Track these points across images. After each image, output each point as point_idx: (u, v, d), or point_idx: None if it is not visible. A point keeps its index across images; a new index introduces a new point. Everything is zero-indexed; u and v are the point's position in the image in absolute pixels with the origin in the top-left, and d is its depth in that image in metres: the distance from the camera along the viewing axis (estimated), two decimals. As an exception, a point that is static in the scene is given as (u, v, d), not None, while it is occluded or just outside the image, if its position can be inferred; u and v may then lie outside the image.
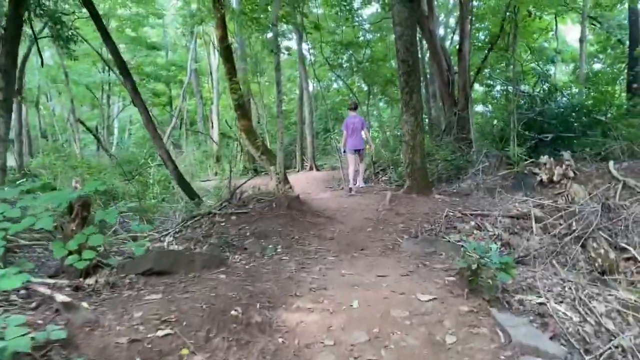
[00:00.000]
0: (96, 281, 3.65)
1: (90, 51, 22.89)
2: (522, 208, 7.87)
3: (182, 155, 22.76)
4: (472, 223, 7.47)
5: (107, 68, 25.20)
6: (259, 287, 3.82)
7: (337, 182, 14.95)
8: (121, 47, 28.14)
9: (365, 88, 21.73)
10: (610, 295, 4.55)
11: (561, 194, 8.25)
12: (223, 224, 6.93)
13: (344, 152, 10.59)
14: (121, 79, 22.39)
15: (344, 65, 16.93)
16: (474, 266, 4.01)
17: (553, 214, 7.52)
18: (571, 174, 8.53)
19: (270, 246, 6.11)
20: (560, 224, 7.21)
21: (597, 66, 19.16)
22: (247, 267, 4.63)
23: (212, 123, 23.35)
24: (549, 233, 7.13)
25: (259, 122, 21.95)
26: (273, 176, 7.67)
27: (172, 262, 3.93)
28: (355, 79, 18.11)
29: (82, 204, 4.19)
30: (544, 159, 9.28)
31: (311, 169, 17.47)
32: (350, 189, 10.19)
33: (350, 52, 18.17)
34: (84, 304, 3.01)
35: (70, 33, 7.60)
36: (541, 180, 8.84)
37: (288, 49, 14.60)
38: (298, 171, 19.31)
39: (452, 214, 7.66)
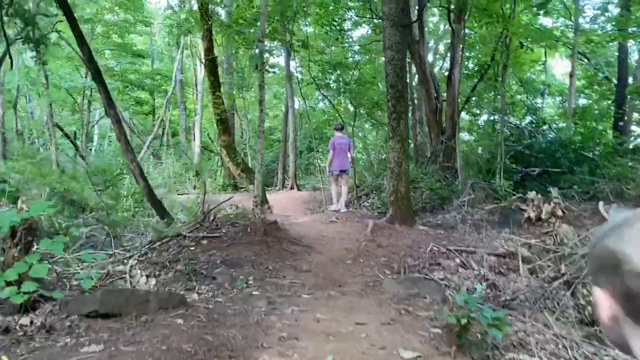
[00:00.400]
0: (31, 322, 3.14)
1: (73, 55, 22.34)
2: (508, 246, 7.51)
3: (161, 166, 22.17)
4: (457, 260, 7.08)
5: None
6: (221, 335, 3.33)
7: (318, 203, 14.51)
8: (106, 52, 27.67)
9: (352, 109, 21.48)
10: (607, 356, 4.16)
11: (549, 234, 7.91)
12: (193, 248, 6.43)
13: (330, 173, 10.41)
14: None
15: (332, 86, 16.60)
16: (464, 321, 3.58)
17: (541, 255, 7.17)
18: (560, 213, 8.21)
19: (241, 277, 5.62)
20: (549, 266, 6.85)
21: (582, 101, 19.15)
22: (210, 306, 4.13)
23: (194, 135, 22.81)
24: (537, 276, 6.76)
25: (242, 137, 21.50)
26: (251, 198, 7.17)
27: (123, 303, 3.40)
28: (342, 99, 17.78)
29: (27, 228, 3.68)
30: (531, 194, 8.97)
31: (292, 188, 17.01)
32: (337, 210, 10.01)
33: (338, 72, 17.92)
34: (3, 358, 2.50)
35: (40, 35, 7.09)
36: (529, 217, 8.50)
37: (273, 66, 14.19)
38: (279, 190, 18.85)
39: (436, 249, 7.26)
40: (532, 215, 8.45)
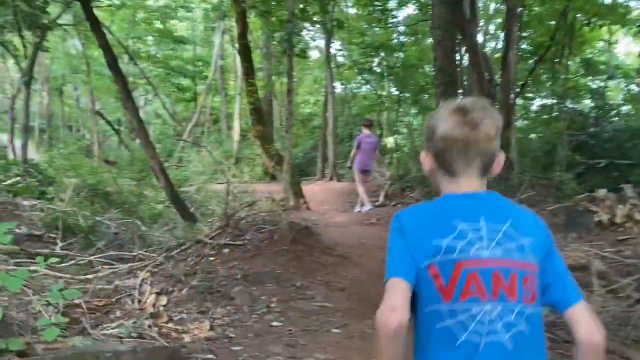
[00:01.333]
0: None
1: (115, 42, 22.05)
2: (578, 257, 6.35)
3: (201, 154, 21.63)
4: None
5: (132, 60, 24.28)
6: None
7: (357, 198, 13.54)
8: (149, 39, 27.28)
9: (396, 94, 20.29)
10: None
11: (626, 242, 6.70)
12: (212, 258, 5.62)
13: (350, 167, 9.81)
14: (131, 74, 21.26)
15: (374, 69, 15.46)
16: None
17: (619, 269, 6.00)
18: (638, 217, 6.97)
19: (262, 297, 4.77)
20: (630, 284, 5.69)
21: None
22: (212, 357, 3.27)
23: (235, 122, 22.12)
24: (615, 294, 5.62)
25: (281, 125, 20.68)
26: (284, 183, 6.25)
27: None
28: (386, 84, 16.60)
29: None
30: (601, 192, 7.73)
31: (331, 178, 16.05)
32: (370, 208, 9.34)
33: (382, 55, 16.76)
34: None
35: (47, 20, 6.41)
36: (600, 220, 7.28)
37: (304, 51, 12.96)
38: (318, 179, 17.94)
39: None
40: (605, 218, 7.23)
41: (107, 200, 11.24)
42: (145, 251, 6.65)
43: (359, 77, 20.61)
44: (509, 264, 1.16)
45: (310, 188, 15.09)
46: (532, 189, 8.99)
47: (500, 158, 1.33)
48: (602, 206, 7.42)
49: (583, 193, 8.29)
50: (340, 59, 19.03)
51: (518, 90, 12.62)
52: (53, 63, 24.18)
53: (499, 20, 15.70)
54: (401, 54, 16.68)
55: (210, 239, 6.01)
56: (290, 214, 6.47)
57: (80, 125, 26.34)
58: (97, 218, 9.16)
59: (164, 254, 5.85)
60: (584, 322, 1.17)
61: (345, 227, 7.47)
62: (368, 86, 22.45)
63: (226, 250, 5.72)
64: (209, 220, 7.44)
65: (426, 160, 1.36)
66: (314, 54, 27.10)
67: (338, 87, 21.93)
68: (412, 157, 17.22)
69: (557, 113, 11.09)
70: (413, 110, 21.88)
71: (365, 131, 9.55)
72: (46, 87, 23.48)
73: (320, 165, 18.45)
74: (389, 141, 26.22)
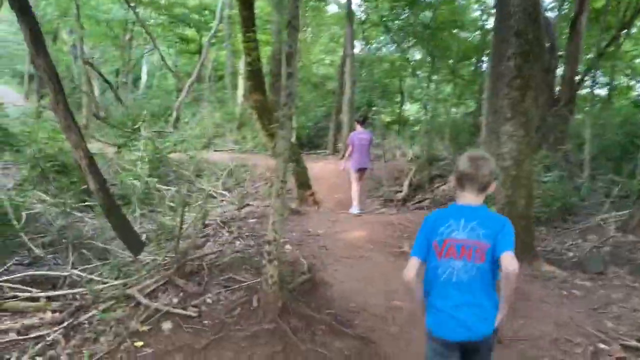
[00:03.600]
0: None
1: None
2: None
3: (199, 115, 19.05)
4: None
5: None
6: None
7: (377, 183, 11.01)
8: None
9: (421, 58, 17.42)
10: None
11: None
12: (141, 344, 3.19)
13: (343, 169, 8.95)
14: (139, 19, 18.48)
15: (404, 28, 12.60)
16: None
17: None
18: None
19: None
20: None
21: None
22: None
23: (240, 81, 19.37)
24: None
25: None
26: (271, 218, 3.68)
27: None
28: (414, 45, 13.71)
29: None
30: None
31: (344, 155, 13.48)
32: (360, 214, 7.88)
33: (410, 11, 13.90)
34: None
35: None
36: None
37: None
38: (329, 154, 15.38)
39: (602, 345, 3.75)
40: None
41: (63, 179, 8.85)
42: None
43: (382, 37, 17.74)
44: (470, 242, 2.23)
45: (319, 169, 12.58)
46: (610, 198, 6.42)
47: (493, 185, 2.34)
48: None
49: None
50: (361, 15, 16.09)
51: (588, 65, 9.86)
52: (44, 5, 21.39)
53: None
54: (430, 14, 13.80)
55: (146, 294, 3.56)
56: (282, 255, 3.95)
57: (75, 75, 23.63)
58: (34, 209, 6.79)
59: (67, 323, 3.42)
60: (505, 260, 2.11)
61: (365, 258, 5.00)
62: (391, 47, 19.59)
63: (167, 327, 3.28)
64: (168, 239, 4.96)
65: (453, 181, 2.44)
66: (332, 8, 24.04)
67: (357, 47, 19.07)
68: (439, 133, 14.58)
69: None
70: (435, 77, 19.10)
71: (359, 128, 8.77)
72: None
73: (333, 138, 15.86)
74: (411, 110, 23.45)
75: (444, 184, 10.06)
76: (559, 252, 5.92)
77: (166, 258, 3.96)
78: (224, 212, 8.01)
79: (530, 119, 5.39)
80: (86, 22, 22.06)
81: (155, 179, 10.68)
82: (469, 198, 2.29)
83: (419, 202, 9.57)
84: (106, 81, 20.95)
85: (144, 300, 3.43)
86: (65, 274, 5.04)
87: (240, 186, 11.57)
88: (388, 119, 21.33)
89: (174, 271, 3.60)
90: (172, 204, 9.54)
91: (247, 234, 5.82)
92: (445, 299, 2.26)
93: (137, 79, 31.45)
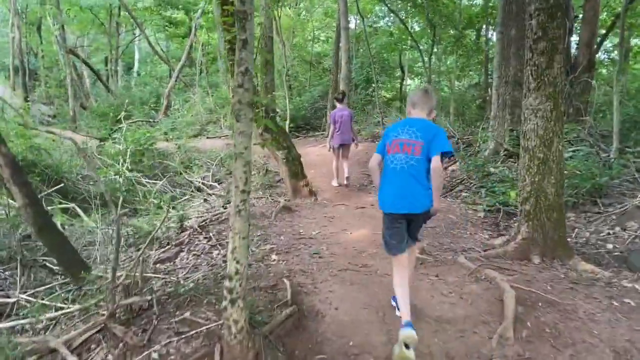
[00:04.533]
0: None
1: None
2: None
3: (191, 100, 18.04)
4: None
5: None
6: None
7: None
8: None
9: (420, 29, 16.27)
10: None
11: None
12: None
13: (331, 148, 8.89)
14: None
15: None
16: None
17: None
18: None
19: None
20: None
21: None
22: None
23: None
24: None
25: (284, 67, 16.81)
26: (230, 243, 2.68)
27: None
28: (409, 14, 12.58)
29: None
30: None
31: (344, 137, 12.48)
32: (341, 185, 8.58)
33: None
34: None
35: None
36: None
37: None
38: (327, 136, 14.40)
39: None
40: None
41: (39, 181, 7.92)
42: None
43: (377, 8, 16.57)
44: (410, 141, 2.99)
45: (315, 155, 11.63)
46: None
47: (434, 113, 3.26)
48: None
49: None
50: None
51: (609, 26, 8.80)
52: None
53: None
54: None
55: (75, 348, 2.65)
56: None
57: (62, 65, 22.55)
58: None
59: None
60: (434, 161, 2.90)
61: (367, 269, 4.08)
62: (388, 20, 18.41)
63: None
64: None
65: (407, 106, 3.30)
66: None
67: (352, 22, 17.88)
68: (444, 109, 13.54)
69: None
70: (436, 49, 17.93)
71: (339, 105, 8.87)
72: (16, 20, 19.69)
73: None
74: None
75: (453, 163, 9.10)
76: (594, 243, 4.99)
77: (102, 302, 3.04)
78: (209, 210, 7.10)
79: (558, 89, 4.41)
80: (71, 10, 21.00)
81: (139, 174, 9.84)
82: (417, 114, 3.21)
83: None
84: (92, 70, 19.90)
85: (71, 359, 2.52)
86: (12, 300, 4.20)
87: (232, 175, 10.64)
88: (388, 96, 20.26)
89: (107, 317, 2.69)
90: (155, 201, 8.68)
91: (227, 240, 4.92)
92: (391, 184, 3.04)
93: (130, 67, 30.34)
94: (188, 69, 21.94)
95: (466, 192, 6.85)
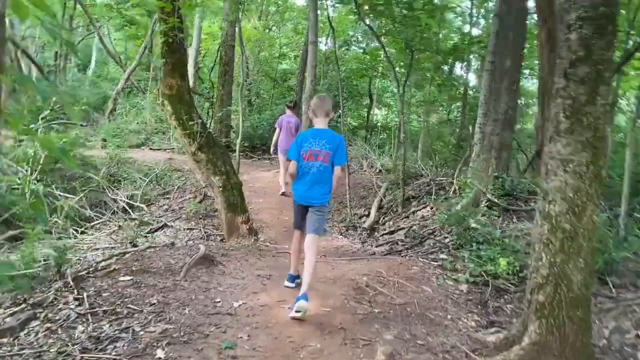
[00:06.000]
0: None
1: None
2: None
3: (137, 107, 16.21)
4: None
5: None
6: None
7: (341, 205, 8.58)
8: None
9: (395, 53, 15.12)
10: None
11: None
12: None
13: (274, 152, 9.46)
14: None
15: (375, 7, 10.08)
16: None
17: None
18: None
19: None
20: None
21: None
22: None
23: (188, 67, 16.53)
24: None
25: (246, 81, 15.24)
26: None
27: None
28: (384, 32, 11.19)
29: None
30: None
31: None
32: (284, 194, 8.49)
33: None
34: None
35: None
36: None
37: None
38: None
39: None
40: None
41: None
42: None
43: (353, 32, 15.34)
44: (321, 152, 3.83)
45: (269, 178, 10.09)
46: None
47: (332, 114, 4.13)
48: None
49: None
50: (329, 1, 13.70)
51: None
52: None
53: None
54: None
55: None
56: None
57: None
58: None
59: None
60: (336, 170, 3.90)
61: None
62: (360, 43, 17.24)
63: None
64: None
65: (309, 113, 4.21)
66: (299, 1, 21.50)
67: (322, 42, 16.60)
68: (412, 143, 12.28)
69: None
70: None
71: (288, 112, 9.23)
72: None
73: (289, 141, 13.35)
74: (377, 116, 21.09)
75: (423, 207, 7.71)
76: (619, 349, 3.60)
77: None
78: (111, 246, 5.40)
79: (600, 134, 3.05)
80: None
81: (50, 186, 8.03)
82: (320, 122, 3.99)
83: (391, 232, 7.18)
84: (34, 63, 17.75)
85: None
86: None
87: (166, 197, 8.93)
88: (354, 123, 19.00)
89: None
90: (60, 222, 6.93)
91: (105, 307, 3.27)
92: (304, 183, 3.89)
93: (86, 66, 28.12)
94: (144, 73, 20.13)
95: (443, 252, 5.40)
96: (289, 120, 8.89)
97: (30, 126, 9.03)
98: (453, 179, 7.61)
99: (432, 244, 6.08)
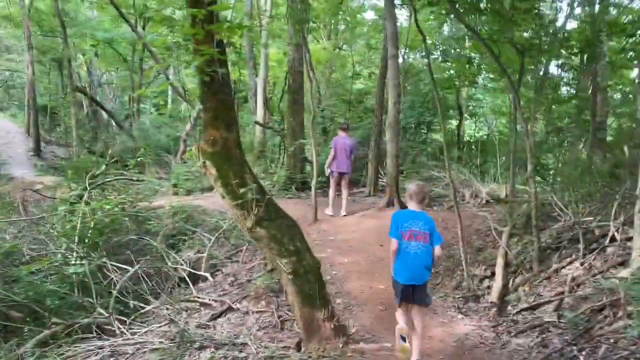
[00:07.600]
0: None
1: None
2: None
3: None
4: None
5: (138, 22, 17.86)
6: None
7: (455, 264, 6.58)
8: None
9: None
10: None
11: None
12: None
13: (329, 174, 9.07)
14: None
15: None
16: None
17: None
18: None
19: None
20: None
21: None
22: None
23: (258, 101, 15.13)
24: None
25: (318, 108, 13.60)
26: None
27: None
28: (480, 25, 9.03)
29: None
30: None
31: (390, 204, 9.01)
32: (333, 215, 8.72)
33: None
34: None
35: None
36: None
37: None
38: (367, 195, 11.00)
39: None
40: None
41: None
42: None
43: (435, 38, 13.34)
44: (420, 232, 3.92)
45: (352, 224, 8.29)
46: None
47: (427, 199, 4.44)
48: None
49: None
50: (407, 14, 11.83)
51: None
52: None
53: None
54: None
55: None
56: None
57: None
58: None
59: None
60: (436, 250, 3.96)
61: None
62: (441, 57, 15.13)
63: None
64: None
65: (407, 197, 4.25)
66: (369, 15, 19.78)
67: (401, 57, 14.67)
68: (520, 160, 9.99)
69: None
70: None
71: (342, 134, 9.17)
72: (30, 55, 17.53)
73: (374, 171, 11.47)
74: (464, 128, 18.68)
75: (569, 263, 5.52)
76: None
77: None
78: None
79: None
80: (98, 45, 18.88)
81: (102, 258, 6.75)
82: (415, 206, 4.07)
83: (532, 307, 5.07)
84: (102, 108, 17.38)
85: None
86: None
87: (234, 260, 7.38)
88: (440, 139, 16.80)
89: None
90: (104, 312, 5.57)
91: None
92: (405, 262, 3.89)
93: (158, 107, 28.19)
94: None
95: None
96: (343, 141, 9.06)
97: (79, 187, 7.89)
98: (612, 222, 5.37)
99: (608, 337, 3.94)
